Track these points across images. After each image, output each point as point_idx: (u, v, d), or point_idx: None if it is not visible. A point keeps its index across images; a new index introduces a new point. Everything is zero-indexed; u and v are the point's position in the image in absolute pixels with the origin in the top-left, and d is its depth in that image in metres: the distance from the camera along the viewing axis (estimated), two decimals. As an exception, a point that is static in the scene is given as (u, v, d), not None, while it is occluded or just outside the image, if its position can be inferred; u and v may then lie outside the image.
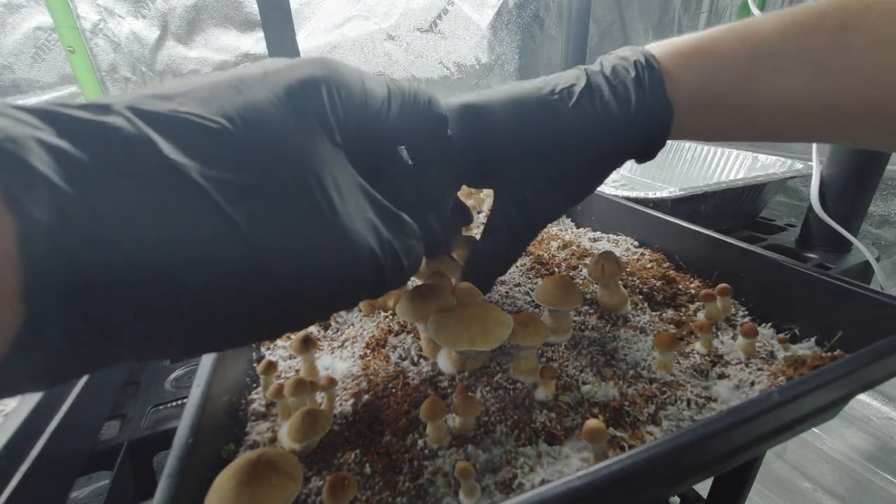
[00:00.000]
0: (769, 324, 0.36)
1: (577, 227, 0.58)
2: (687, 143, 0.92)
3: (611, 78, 0.31)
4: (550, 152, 0.32)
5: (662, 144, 0.33)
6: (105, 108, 0.15)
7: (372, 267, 0.21)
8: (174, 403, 0.37)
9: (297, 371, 0.33)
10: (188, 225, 0.16)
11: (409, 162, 0.28)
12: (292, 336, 0.36)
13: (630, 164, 1.01)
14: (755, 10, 0.84)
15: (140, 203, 0.15)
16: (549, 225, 0.58)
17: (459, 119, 0.32)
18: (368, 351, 0.35)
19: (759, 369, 0.31)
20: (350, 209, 0.20)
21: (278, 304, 0.18)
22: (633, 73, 0.30)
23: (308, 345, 0.31)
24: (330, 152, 0.20)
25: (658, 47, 0.32)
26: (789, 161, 0.73)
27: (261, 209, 0.17)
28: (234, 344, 0.20)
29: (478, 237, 0.39)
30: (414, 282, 0.43)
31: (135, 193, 0.15)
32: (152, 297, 0.15)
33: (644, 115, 0.30)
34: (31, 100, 0.83)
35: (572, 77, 0.32)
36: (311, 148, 0.19)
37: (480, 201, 0.66)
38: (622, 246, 0.50)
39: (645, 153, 0.34)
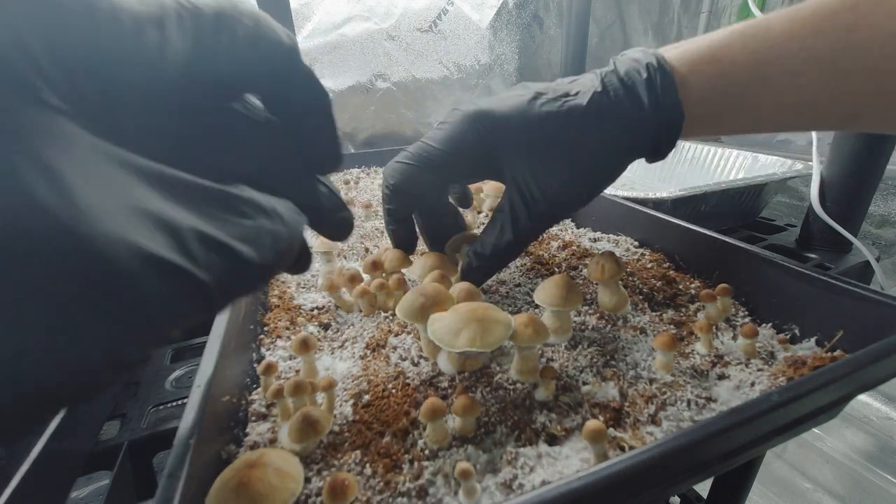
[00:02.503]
0: (769, 324, 0.36)
1: (577, 227, 0.58)
2: (687, 144, 0.92)
3: (624, 79, 0.32)
4: (562, 150, 0.32)
5: (673, 145, 0.34)
6: None
7: (159, 279, 0.13)
8: (174, 403, 0.37)
9: (297, 372, 0.33)
10: None
11: (262, 114, 0.21)
12: (293, 336, 0.36)
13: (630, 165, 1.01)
14: (755, 10, 0.84)
15: None
16: (549, 225, 0.58)
17: (471, 124, 0.32)
18: (368, 351, 0.35)
19: (760, 370, 0.31)
20: (93, 203, 0.12)
21: None
22: (644, 75, 0.31)
23: (308, 345, 0.31)
24: (34, 121, 0.12)
25: (670, 51, 0.32)
26: (789, 161, 0.73)
27: None
28: None
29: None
30: (414, 282, 0.43)
31: None
32: None
33: (655, 117, 0.31)
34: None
35: (587, 80, 0.33)
36: None
37: (480, 202, 0.66)
38: (622, 246, 0.50)
39: (655, 153, 0.34)
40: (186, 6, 0.16)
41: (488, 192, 0.65)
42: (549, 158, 0.33)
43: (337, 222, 0.25)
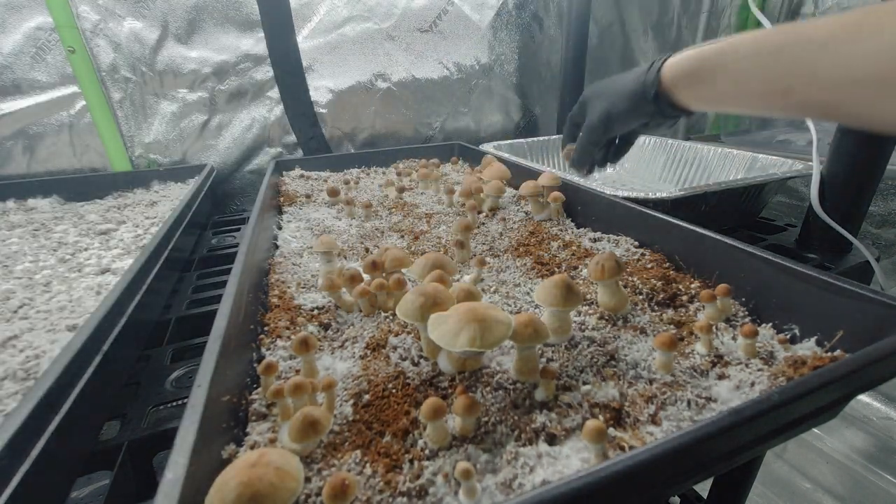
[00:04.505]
0: (769, 324, 0.36)
1: (578, 228, 0.58)
2: (687, 144, 0.92)
3: (649, 64, 0.53)
4: (611, 97, 0.57)
5: (653, 95, 0.51)
6: None
7: None
8: (174, 403, 0.37)
9: (297, 371, 0.33)
10: None
11: None
12: (293, 336, 0.36)
13: (632, 164, 1.01)
14: (755, 10, 0.84)
15: None
16: (549, 226, 0.58)
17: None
18: (368, 351, 0.35)
19: (760, 370, 0.31)
20: None
21: None
22: (652, 64, 0.52)
23: (308, 345, 0.31)
24: None
25: (676, 54, 0.51)
26: (789, 161, 0.73)
27: None
28: None
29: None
30: (414, 282, 0.43)
31: None
32: None
33: (650, 84, 0.51)
34: (32, 100, 0.83)
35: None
36: None
37: (481, 202, 0.66)
38: (622, 246, 0.50)
39: (647, 108, 0.53)
40: None
41: (488, 193, 0.65)
42: (602, 100, 0.57)
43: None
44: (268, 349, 0.36)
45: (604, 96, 0.59)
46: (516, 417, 0.28)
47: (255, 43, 0.95)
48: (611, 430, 0.26)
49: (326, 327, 0.39)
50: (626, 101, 0.55)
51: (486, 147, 0.92)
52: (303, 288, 0.45)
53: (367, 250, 0.54)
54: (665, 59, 0.51)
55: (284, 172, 0.87)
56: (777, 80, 0.41)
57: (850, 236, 0.59)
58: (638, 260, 0.46)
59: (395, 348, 0.35)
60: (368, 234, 0.59)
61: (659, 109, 0.53)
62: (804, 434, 0.83)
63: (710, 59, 0.46)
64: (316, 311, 0.41)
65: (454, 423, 0.27)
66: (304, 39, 0.98)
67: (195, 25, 0.91)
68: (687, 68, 0.49)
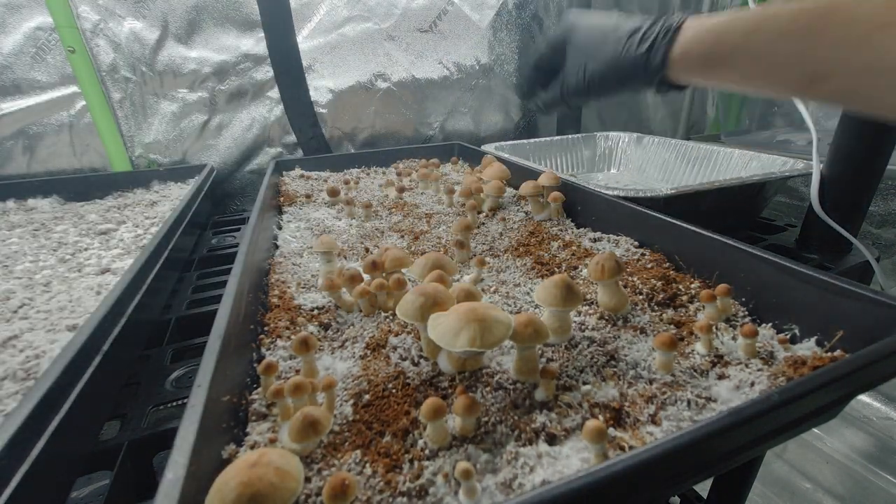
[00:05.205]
0: (769, 324, 0.36)
1: (578, 228, 0.58)
2: (690, 144, 0.92)
3: (657, 31, 0.45)
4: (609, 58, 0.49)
5: (662, 79, 0.46)
6: None
7: None
8: (174, 403, 0.37)
9: (297, 371, 0.33)
10: None
11: None
12: (293, 336, 0.36)
13: (634, 164, 1.01)
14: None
15: None
16: (549, 226, 0.58)
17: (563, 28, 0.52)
18: (368, 351, 0.35)
19: (760, 370, 0.31)
20: None
21: None
22: (659, 44, 0.45)
23: (308, 345, 0.31)
24: None
25: (698, 17, 0.44)
26: (791, 160, 0.73)
27: None
28: None
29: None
30: (414, 282, 0.43)
31: None
32: None
33: (655, 69, 0.45)
34: (32, 100, 0.83)
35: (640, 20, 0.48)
36: None
37: (481, 201, 0.66)
38: (622, 246, 0.50)
39: (639, 86, 0.48)
40: None
41: (488, 193, 0.65)
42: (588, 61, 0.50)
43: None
44: (268, 349, 0.36)
45: (591, 56, 0.51)
46: (516, 417, 0.28)
47: (255, 43, 0.95)
48: (611, 430, 0.26)
49: (326, 327, 0.39)
50: (618, 72, 0.49)
51: (488, 148, 0.92)
52: (303, 288, 0.45)
53: (367, 250, 0.54)
54: (671, 36, 0.43)
55: (284, 172, 0.87)
56: (814, 65, 0.36)
57: (850, 236, 0.59)
58: (638, 260, 0.46)
59: (395, 348, 0.35)
60: (368, 234, 0.59)
61: (657, 88, 0.48)
62: (804, 434, 0.83)
63: (731, 39, 0.41)
64: (316, 311, 0.41)
65: (454, 423, 0.27)
66: (304, 39, 0.98)
67: (195, 25, 0.91)
68: (704, 51, 0.43)
